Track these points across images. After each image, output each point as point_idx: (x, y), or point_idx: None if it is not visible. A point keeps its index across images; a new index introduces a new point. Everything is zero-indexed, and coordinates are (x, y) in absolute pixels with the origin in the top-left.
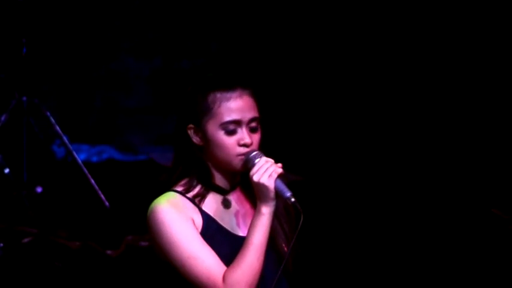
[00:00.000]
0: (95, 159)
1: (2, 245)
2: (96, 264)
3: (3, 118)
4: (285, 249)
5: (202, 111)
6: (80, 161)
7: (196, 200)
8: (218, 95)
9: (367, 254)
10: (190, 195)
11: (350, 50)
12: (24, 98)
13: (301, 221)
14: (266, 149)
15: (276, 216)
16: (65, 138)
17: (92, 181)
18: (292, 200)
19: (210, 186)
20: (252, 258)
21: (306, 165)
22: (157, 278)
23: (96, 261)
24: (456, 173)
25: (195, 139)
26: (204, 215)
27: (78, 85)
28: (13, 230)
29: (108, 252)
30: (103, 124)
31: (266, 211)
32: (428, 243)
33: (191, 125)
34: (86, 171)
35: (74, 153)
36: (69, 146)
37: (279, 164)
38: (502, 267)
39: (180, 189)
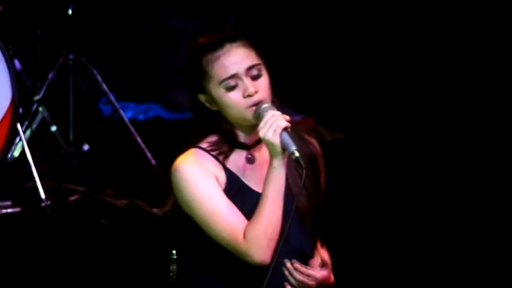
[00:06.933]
0: (141, 117)
1: (49, 202)
2: (143, 223)
3: (50, 76)
4: (307, 206)
5: (202, 78)
6: (126, 119)
7: (221, 158)
8: (209, 57)
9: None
10: (215, 152)
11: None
12: (71, 56)
13: (303, 176)
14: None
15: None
16: (111, 96)
17: (139, 139)
18: (296, 155)
19: (234, 145)
20: (267, 212)
21: (351, 123)
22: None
23: (142, 220)
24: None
25: (209, 106)
26: (228, 172)
27: (125, 43)
28: (60, 188)
29: (155, 210)
30: (149, 82)
31: (276, 164)
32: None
33: (200, 94)
34: (133, 129)
35: (121, 111)
36: (116, 103)
37: (287, 117)
38: None
39: (204, 145)
